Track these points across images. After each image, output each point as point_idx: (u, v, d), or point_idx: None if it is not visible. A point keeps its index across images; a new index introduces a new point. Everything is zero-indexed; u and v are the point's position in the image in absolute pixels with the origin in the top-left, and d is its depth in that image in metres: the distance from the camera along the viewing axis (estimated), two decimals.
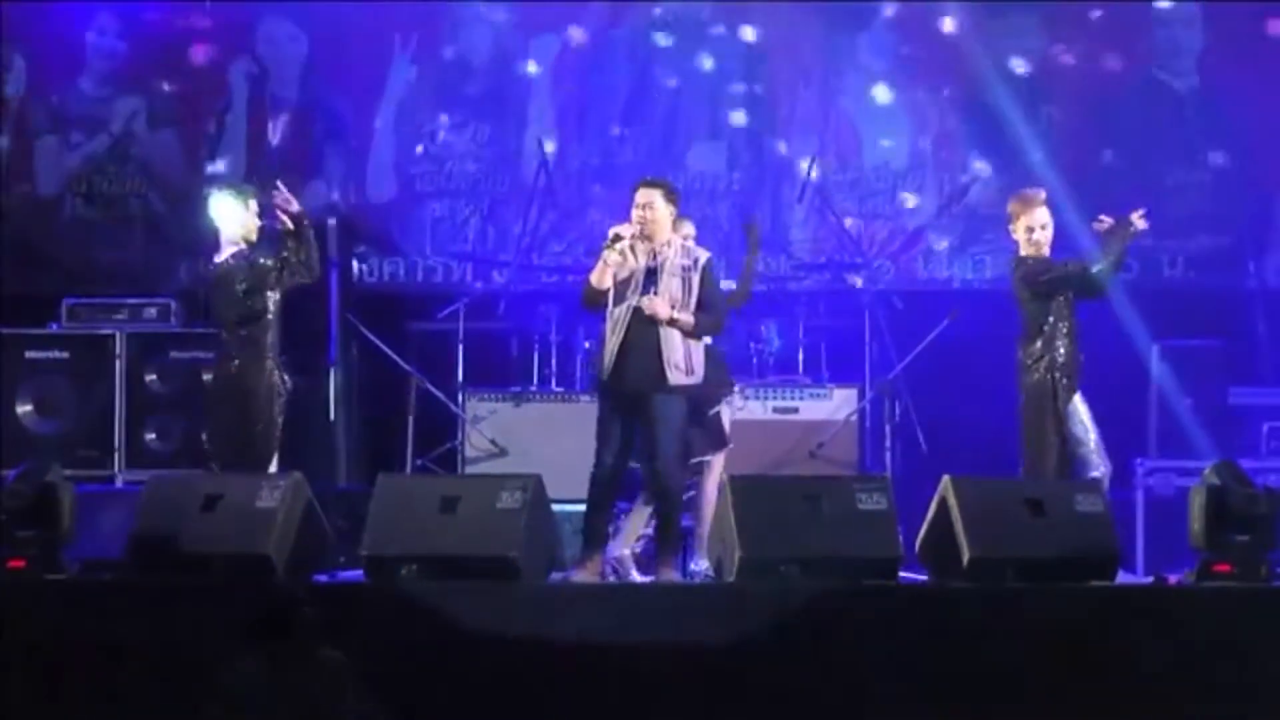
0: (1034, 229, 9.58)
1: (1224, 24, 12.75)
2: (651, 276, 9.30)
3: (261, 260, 9.39)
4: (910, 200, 12.85)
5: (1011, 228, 9.67)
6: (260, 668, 6.92)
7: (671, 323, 9.25)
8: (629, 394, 9.27)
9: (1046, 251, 9.60)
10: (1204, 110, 12.77)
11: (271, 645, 6.94)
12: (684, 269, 9.33)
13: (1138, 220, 9.57)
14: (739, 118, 13.03)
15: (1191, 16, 12.83)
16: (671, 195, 9.43)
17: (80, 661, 8.07)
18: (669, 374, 9.24)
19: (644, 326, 9.26)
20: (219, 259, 9.47)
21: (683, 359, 9.28)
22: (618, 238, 9.26)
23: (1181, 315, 11.92)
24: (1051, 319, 9.45)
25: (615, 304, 9.30)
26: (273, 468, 9.64)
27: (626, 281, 9.30)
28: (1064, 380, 9.40)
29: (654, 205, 9.33)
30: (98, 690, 8.03)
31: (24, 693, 8.01)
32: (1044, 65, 12.90)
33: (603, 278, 9.28)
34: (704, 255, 9.45)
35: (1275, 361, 12.11)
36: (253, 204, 9.51)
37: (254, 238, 9.47)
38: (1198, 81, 12.81)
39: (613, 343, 9.28)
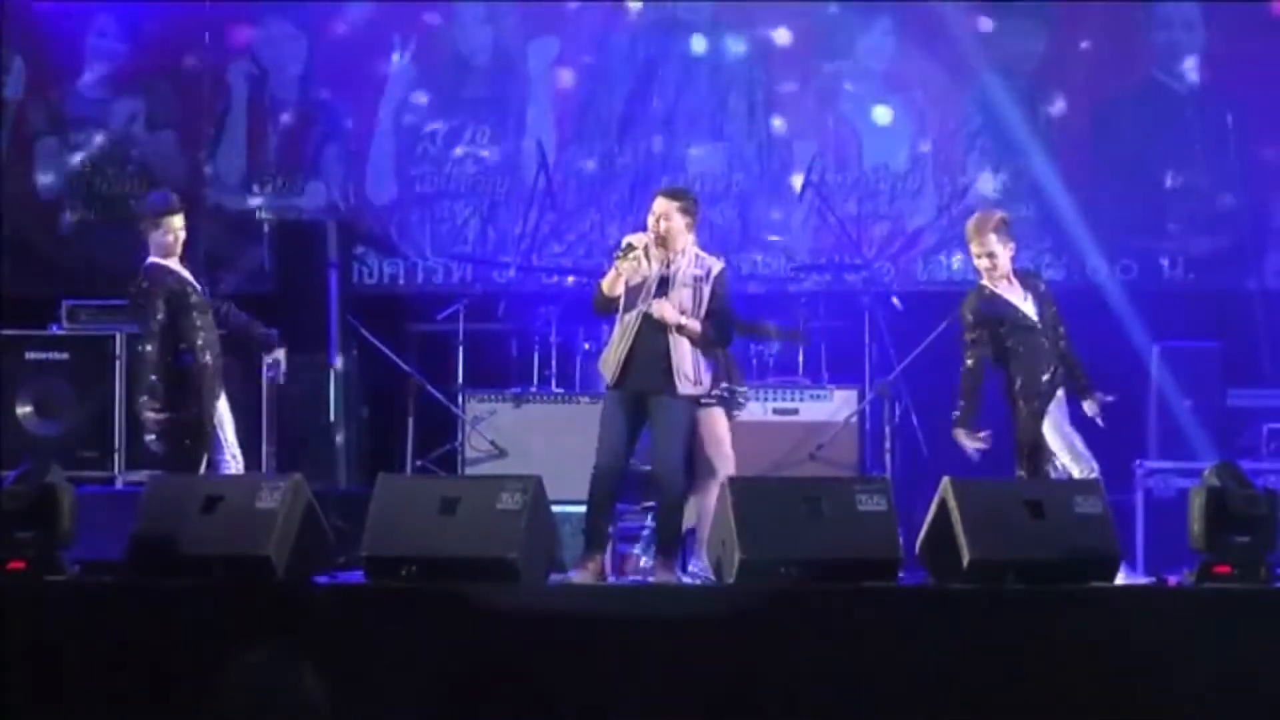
0: (979, 256, 9.56)
1: (1224, 25, 12.75)
2: (663, 284, 9.32)
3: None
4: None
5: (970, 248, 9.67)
6: (259, 667, 6.91)
7: (679, 329, 9.28)
8: (635, 397, 9.29)
9: (996, 275, 9.51)
10: (1204, 111, 12.77)
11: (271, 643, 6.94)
12: (696, 279, 9.36)
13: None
14: (739, 119, 13.03)
15: (1191, 18, 12.83)
16: (689, 209, 9.45)
17: (80, 663, 8.06)
18: (678, 383, 9.29)
19: (654, 333, 9.29)
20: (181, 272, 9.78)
21: (691, 369, 9.32)
22: (630, 247, 9.27)
23: (1181, 317, 11.92)
24: (1008, 353, 9.47)
25: (625, 309, 9.33)
26: (238, 457, 9.76)
27: (638, 288, 9.32)
28: (1034, 404, 9.42)
29: (670, 217, 9.37)
30: (98, 691, 8.02)
31: (24, 694, 8.00)
32: (1044, 65, 12.90)
33: (614, 285, 9.30)
34: (717, 266, 9.47)
35: (1275, 363, 12.11)
36: None
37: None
38: (1198, 83, 12.81)
39: (621, 348, 9.31)
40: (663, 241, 9.34)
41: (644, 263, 9.30)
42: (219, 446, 9.78)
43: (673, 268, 9.36)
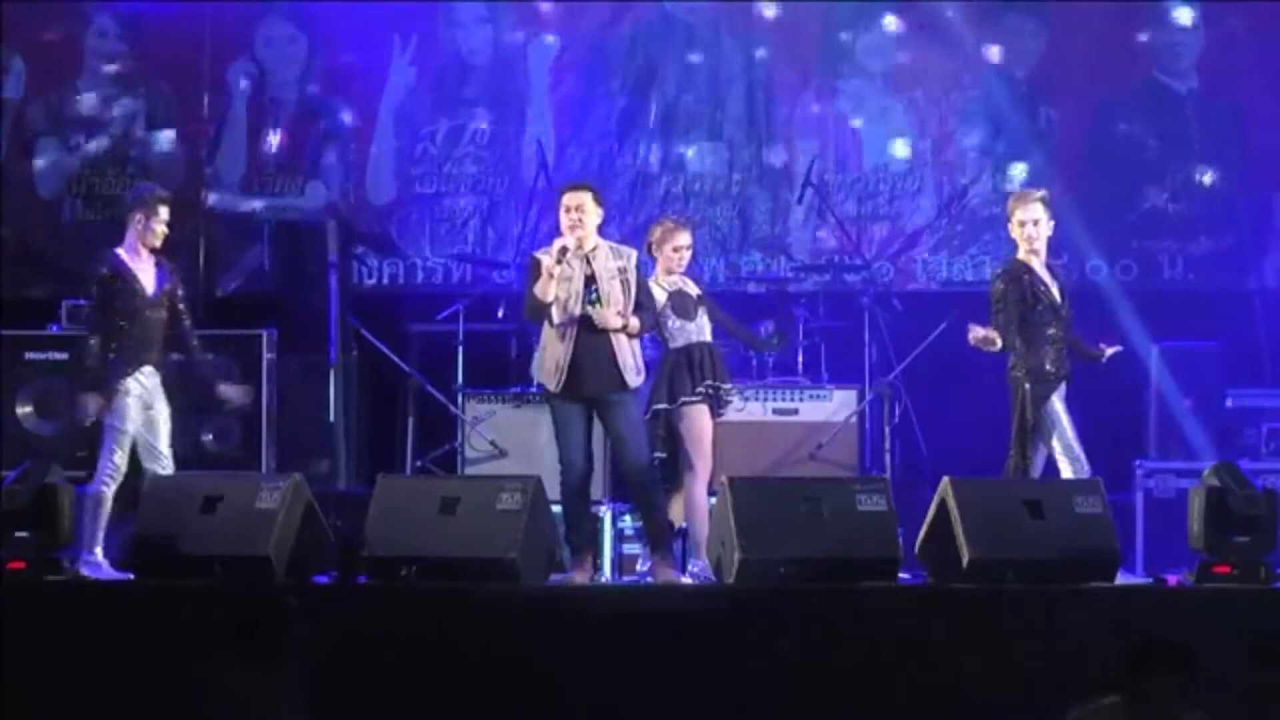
0: (1025, 223, 9.59)
1: (1223, 26, 12.75)
2: (590, 283, 9.28)
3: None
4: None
5: (1009, 225, 9.68)
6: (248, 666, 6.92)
7: (622, 330, 9.25)
8: (586, 401, 9.27)
9: (1040, 248, 9.59)
10: (1203, 112, 12.77)
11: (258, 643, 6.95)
12: (621, 270, 9.32)
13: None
14: (739, 119, 13.03)
15: (1191, 18, 12.83)
16: (598, 198, 9.43)
17: (80, 663, 8.07)
18: (627, 377, 9.28)
19: (593, 334, 9.24)
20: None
21: (633, 359, 9.33)
22: (565, 249, 9.22)
23: (1181, 317, 11.92)
24: (1024, 329, 9.47)
25: (558, 314, 9.27)
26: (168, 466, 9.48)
27: (565, 291, 9.26)
28: (1038, 388, 9.41)
29: (585, 208, 9.32)
30: (98, 691, 8.03)
31: (24, 693, 8.00)
32: (1044, 66, 12.90)
33: (548, 290, 9.22)
34: (633, 253, 9.45)
35: (1275, 363, 12.10)
36: None
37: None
38: (1197, 83, 12.81)
39: (564, 354, 9.24)
40: (580, 236, 9.27)
41: (565, 265, 9.24)
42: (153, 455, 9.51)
43: (594, 264, 9.32)
